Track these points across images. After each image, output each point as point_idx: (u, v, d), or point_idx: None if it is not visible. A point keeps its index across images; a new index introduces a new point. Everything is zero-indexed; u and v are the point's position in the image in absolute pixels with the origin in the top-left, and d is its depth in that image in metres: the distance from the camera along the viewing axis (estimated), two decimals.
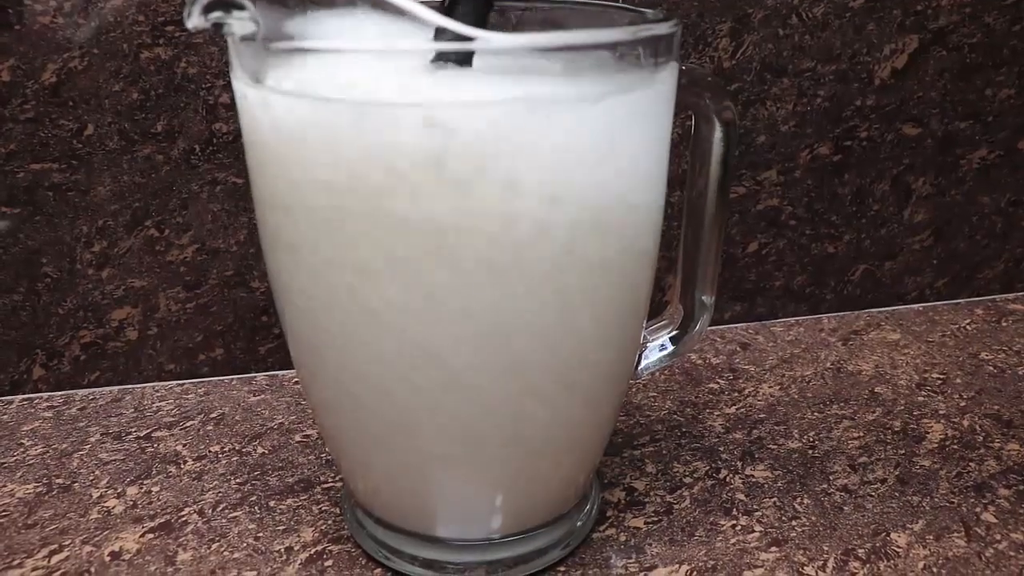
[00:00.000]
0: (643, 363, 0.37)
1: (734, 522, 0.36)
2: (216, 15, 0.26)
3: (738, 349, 0.51)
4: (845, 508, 0.37)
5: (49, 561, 0.34)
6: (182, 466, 0.40)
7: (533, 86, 0.26)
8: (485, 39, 0.25)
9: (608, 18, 0.33)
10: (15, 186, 0.43)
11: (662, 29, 0.27)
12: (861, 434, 0.42)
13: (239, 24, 0.26)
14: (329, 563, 0.34)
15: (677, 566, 0.34)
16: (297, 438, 0.42)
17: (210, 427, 0.43)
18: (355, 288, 0.27)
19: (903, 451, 0.41)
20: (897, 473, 0.40)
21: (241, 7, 0.26)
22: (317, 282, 0.28)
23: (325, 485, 0.39)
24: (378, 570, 0.34)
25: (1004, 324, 0.54)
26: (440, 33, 0.26)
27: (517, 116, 0.25)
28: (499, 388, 0.28)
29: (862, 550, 0.35)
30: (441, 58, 0.26)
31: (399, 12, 0.25)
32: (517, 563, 0.33)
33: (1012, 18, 0.51)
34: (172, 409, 0.45)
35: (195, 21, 0.26)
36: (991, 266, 0.57)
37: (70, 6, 0.40)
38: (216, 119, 0.43)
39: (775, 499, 0.38)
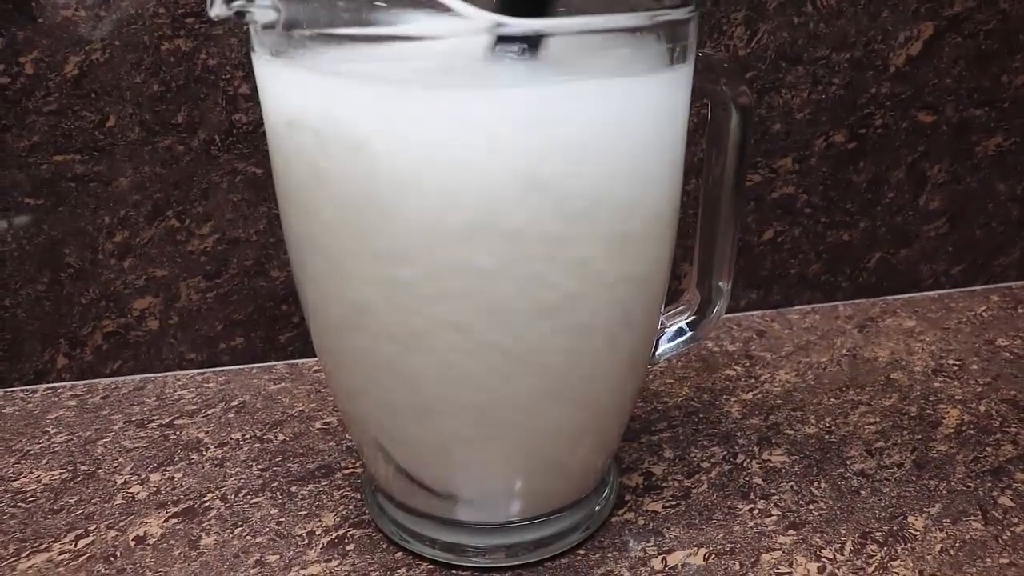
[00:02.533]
0: (660, 348, 0.37)
1: (751, 506, 0.37)
2: (238, 3, 0.26)
3: (754, 336, 0.51)
4: (862, 492, 0.37)
5: (75, 545, 0.35)
6: (204, 453, 0.41)
7: (549, 72, 0.26)
8: (499, 22, 0.25)
9: (625, 3, 0.33)
10: (38, 177, 0.43)
11: (679, 14, 0.28)
12: (877, 419, 0.43)
13: (261, 12, 0.26)
14: (351, 547, 0.35)
15: (695, 549, 0.34)
16: (317, 425, 0.43)
17: (231, 415, 0.44)
18: (378, 272, 0.27)
19: (919, 436, 0.41)
20: (914, 458, 0.40)
21: None
22: (340, 265, 0.28)
23: (346, 471, 0.39)
24: (399, 554, 0.34)
25: (1020, 311, 0.54)
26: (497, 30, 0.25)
27: (534, 101, 0.25)
28: (521, 372, 0.29)
29: (879, 533, 0.35)
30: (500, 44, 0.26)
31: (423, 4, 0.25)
32: (537, 546, 0.34)
33: None
34: (193, 397, 0.46)
35: (218, 10, 0.26)
36: (1007, 253, 0.57)
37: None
38: (236, 110, 0.44)
39: (792, 483, 0.38)
